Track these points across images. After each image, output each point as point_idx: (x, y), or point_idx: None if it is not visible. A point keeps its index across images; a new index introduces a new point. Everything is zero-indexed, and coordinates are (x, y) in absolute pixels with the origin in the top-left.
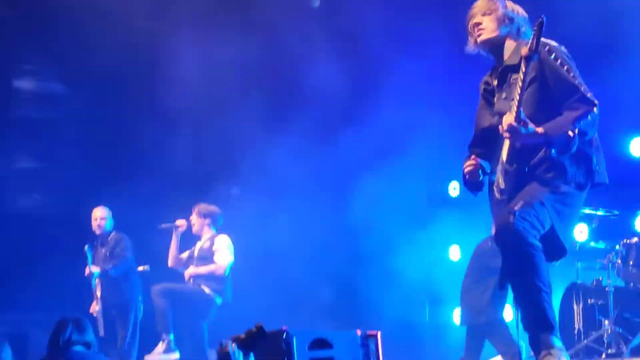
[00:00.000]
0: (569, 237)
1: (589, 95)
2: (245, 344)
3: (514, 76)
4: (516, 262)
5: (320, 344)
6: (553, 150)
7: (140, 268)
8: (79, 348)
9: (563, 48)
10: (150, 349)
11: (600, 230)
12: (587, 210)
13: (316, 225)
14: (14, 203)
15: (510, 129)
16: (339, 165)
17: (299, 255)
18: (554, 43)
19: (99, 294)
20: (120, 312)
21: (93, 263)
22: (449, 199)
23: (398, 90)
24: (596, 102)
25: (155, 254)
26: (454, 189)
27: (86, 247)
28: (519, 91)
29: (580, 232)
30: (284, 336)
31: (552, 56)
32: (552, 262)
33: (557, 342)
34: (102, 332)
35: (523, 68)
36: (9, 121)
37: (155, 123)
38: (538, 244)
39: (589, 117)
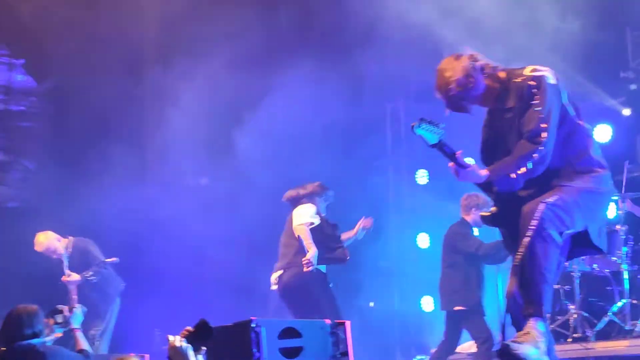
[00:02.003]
0: (603, 236)
1: (542, 135)
2: (194, 338)
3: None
4: (530, 247)
5: (289, 333)
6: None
7: (109, 260)
8: (31, 341)
9: (550, 75)
10: (126, 346)
11: None
12: None
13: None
14: None
15: (452, 170)
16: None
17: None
18: (543, 70)
19: (75, 298)
20: (96, 311)
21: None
22: (418, 186)
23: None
24: (542, 140)
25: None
26: (422, 176)
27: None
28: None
29: None
30: (253, 326)
31: (533, 90)
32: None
33: (542, 327)
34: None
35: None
36: None
37: None
38: (558, 238)
39: (535, 155)
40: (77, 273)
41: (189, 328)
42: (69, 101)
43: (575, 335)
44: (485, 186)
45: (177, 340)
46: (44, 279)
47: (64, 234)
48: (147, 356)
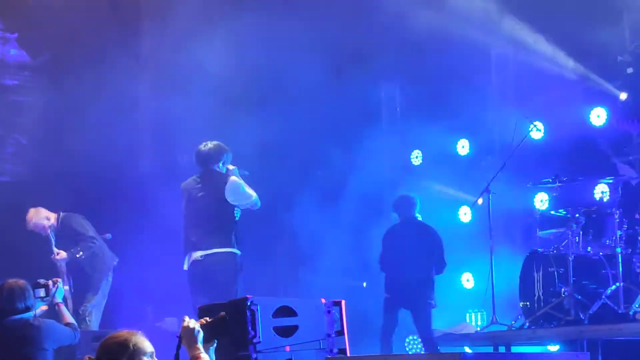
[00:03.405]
0: None
1: None
2: (209, 329)
3: None
4: None
5: (284, 311)
6: None
7: (101, 236)
8: (23, 315)
9: None
10: (118, 322)
11: (561, 199)
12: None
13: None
14: None
15: None
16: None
17: None
18: None
19: (65, 274)
20: (87, 288)
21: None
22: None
23: None
24: None
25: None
26: (416, 157)
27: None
28: None
29: (541, 201)
30: (249, 304)
31: None
32: None
33: None
34: (71, 310)
35: None
36: None
37: None
38: None
39: None
40: (66, 249)
41: (207, 319)
42: (63, 76)
43: (568, 318)
44: None
45: (192, 323)
46: (36, 255)
47: (56, 209)
48: (139, 332)
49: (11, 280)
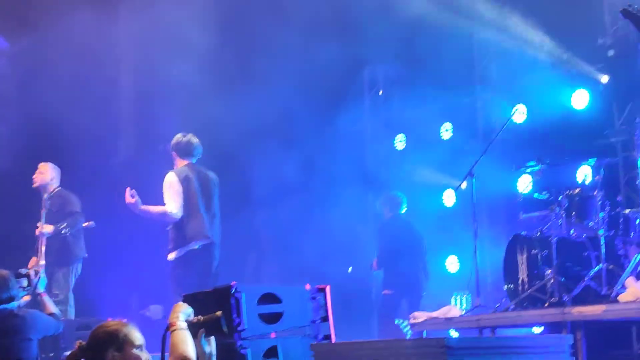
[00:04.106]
0: None
1: None
2: (200, 327)
3: None
4: None
5: (269, 298)
6: None
7: (85, 224)
8: (7, 305)
9: None
10: (102, 310)
11: (543, 181)
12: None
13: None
14: None
15: None
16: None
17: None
18: None
19: (43, 249)
20: (62, 270)
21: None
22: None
23: None
24: None
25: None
26: (400, 141)
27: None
28: None
29: (524, 184)
30: (233, 291)
31: None
32: None
33: None
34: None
35: None
36: None
37: None
38: None
39: None
40: (54, 222)
41: (201, 317)
42: (42, 63)
43: (552, 300)
44: None
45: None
46: (18, 227)
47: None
48: (130, 323)
49: None
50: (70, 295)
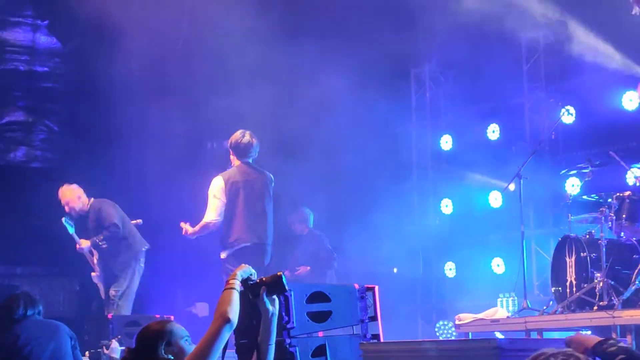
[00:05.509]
0: None
1: None
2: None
3: None
4: None
5: (318, 297)
6: None
7: (134, 222)
8: (33, 318)
9: None
10: (149, 307)
11: (593, 183)
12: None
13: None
14: (4, 155)
15: None
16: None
17: None
18: None
19: (95, 260)
20: (117, 273)
21: (81, 236)
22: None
23: None
24: None
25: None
26: (446, 142)
27: (63, 219)
28: None
29: (573, 186)
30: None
31: None
32: None
33: None
34: (103, 295)
35: None
36: None
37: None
38: None
39: None
40: (92, 235)
41: (262, 277)
42: (93, 62)
43: (601, 303)
44: None
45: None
46: (66, 240)
47: (87, 196)
48: (171, 317)
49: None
50: (127, 292)
